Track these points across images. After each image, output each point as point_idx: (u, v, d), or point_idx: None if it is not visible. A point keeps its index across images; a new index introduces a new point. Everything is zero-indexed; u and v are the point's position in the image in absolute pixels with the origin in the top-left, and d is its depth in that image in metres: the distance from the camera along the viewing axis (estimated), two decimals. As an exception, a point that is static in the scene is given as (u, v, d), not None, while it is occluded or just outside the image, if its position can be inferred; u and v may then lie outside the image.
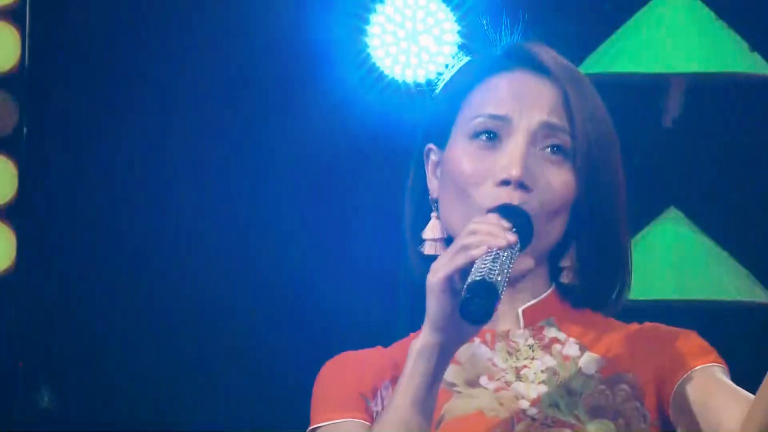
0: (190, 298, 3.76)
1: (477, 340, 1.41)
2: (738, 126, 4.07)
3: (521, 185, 1.37)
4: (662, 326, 1.46)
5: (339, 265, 3.64)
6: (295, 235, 3.81)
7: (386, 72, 3.67)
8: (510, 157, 1.37)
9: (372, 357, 1.43)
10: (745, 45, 3.48)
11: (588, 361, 1.41)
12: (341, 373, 1.42)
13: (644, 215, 4.12)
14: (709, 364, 1.41)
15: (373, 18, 3.72)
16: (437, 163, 1.43)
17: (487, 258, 1.26)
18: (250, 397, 3.51)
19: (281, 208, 3.86)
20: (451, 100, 1.43)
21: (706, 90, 3.72)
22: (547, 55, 1.44)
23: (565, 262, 1.44)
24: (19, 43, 4.13)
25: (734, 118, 4.06)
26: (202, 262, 3.78)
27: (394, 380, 1.37)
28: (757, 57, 3.50)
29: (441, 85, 1.46)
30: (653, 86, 3.74)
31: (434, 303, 1.27)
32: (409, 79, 3.60)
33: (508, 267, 1.27)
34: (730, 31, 3.52)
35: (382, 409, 1.37)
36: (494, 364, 1.40)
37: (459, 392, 1.38)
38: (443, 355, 1.29)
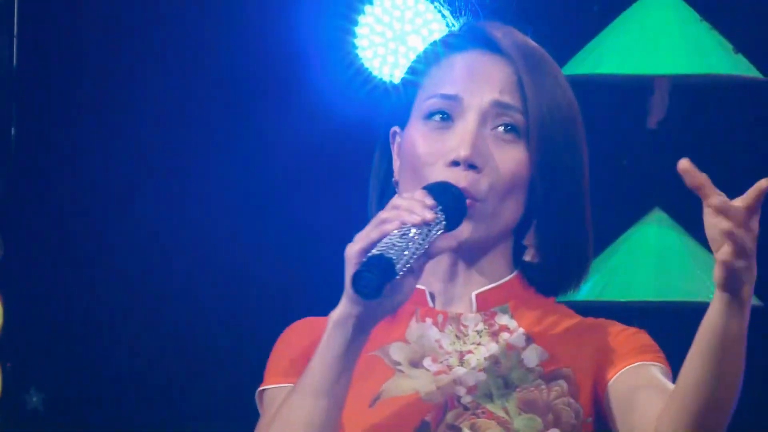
0: (181, 297, 3.77)
1: (429, 320, 1.40)
2: (722, 127, 4.09)
3: (470, 165, 1.36)
4: (614, 323, 1.44)
5: (327, 264, 3.65)
6: (283, 236, 3.82)
7: (375, 73, 3.68)
8: (460, 138, 1.37)
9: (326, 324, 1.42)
10: (729, 47, 3.50)
11: (531, 353, 1.40)
12: (296, 338, 1.42)
13: (629, 216, 4.14)
14: (647, 362, 1.40)
15: (362, 19, 3.73)
16: (399, 146, 1.45)
17: (396, 233, 1.24)
18: (241, 397, 3.51)
19: (268, 208, 3.86)
20: (410, 82, 1.44)
21: (691, 91, 3.73)
22: (502, 33, 1.43)
23: (527, 240, 1.44)
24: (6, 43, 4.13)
25: (718, 119, 4.08)
26: (193, 262, 3.78)
27: None
28: (741, 58, 3.51)
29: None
30: (638, 87, 3.76)
31: (349, 275, 1.26)
32: (398, 80, 3.61)
33: (419, 245, 1.25)
34: (714, 32, 3.53)
35: None
36: (441, 347, 1.39)
37: (401, 371, 1.37)
38: (359, 326, 1.27)
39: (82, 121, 4.08)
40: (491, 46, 1.41)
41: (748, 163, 4.20)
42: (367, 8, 3.75)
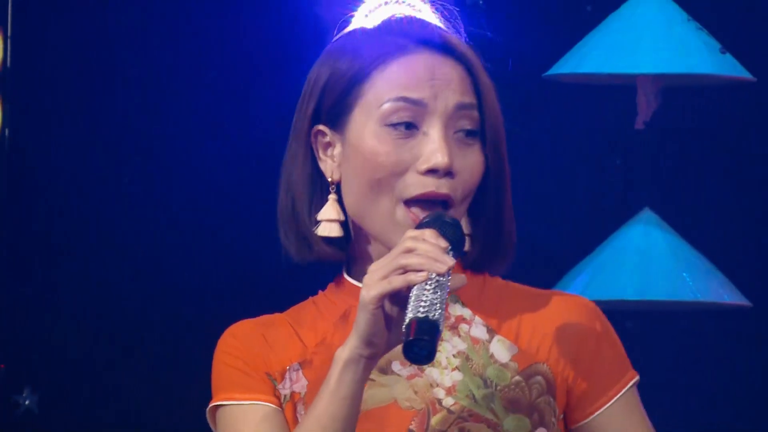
0: (177, 297, 3.78)
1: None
2: (710, 128, 4.10)
3: (448, 173, 1.34)
4: (573, 308, 1.42)
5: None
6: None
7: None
8: (434, 144, 1.34)
9: (277, 331, 1.39)
10: (716, 46, 3.50)
11: (499, 347, 1.38)
12: (245, 346, 1.37)
13: (618, 216, 4.15)
14: (628, 387, 1.40)
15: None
16: (329, 145, 1.38)
17: (428, 287, 1.23)
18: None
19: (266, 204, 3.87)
20: (350, 81, 1.36)
21: (678, 92, 3.74)
22: (447, 34, 1.41)
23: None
24: (0, 43, 4.13)
25: (706, 119, 4.09)
26: (189, 261, 3.79)
27: (304, 364, 1.35)
28: (728, 58, 3.52)
29: (329, 62, 1.39)
30: (625, 87, 3.76)
31: (366, 319, 1.23)
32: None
33: (445, 291, 1.24)
34: (702, 32, 3.53)
35: (291, 394, 1.35)
36: None
37: (372, 380, 1.33)
38: (368, 367, 1.26)
39: (75, 121, 4.08)
40: (441, 46, 1.38)
41: (737, 163, 4.21)
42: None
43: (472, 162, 1.36)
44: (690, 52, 3.47)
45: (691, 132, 4.11)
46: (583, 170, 4.59)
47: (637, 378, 1.41)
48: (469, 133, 1.37)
